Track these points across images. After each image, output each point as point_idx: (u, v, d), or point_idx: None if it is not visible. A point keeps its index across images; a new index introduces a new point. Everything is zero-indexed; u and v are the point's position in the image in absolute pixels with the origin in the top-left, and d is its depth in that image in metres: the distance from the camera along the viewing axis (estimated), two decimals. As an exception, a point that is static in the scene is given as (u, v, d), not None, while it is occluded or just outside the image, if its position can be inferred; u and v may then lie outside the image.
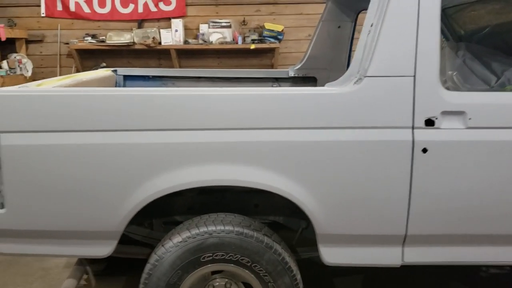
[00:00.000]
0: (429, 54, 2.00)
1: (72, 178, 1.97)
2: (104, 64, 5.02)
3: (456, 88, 2.24)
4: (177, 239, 2.06)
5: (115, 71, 3.56)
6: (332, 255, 2.15)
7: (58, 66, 5.10)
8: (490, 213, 2.07)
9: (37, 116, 1.94)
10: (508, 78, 2.88)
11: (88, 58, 5.07)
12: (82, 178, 1.97)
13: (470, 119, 1.99)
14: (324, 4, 3.60)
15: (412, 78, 1.99)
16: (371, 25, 2.05)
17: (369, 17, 2.07)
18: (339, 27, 3.57)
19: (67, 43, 4.96)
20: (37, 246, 2.09)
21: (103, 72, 3.33)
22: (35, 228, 2.03)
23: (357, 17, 3.56)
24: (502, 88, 2.76)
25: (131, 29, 4.99)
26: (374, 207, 2.05)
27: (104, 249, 2.10)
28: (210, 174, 1.98)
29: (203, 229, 2.05)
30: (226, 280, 2.17)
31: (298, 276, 2.14)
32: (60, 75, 5.15)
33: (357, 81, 2.01)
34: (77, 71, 5.08)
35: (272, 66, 5.19)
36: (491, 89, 2.84)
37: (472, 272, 3.13)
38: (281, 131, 1.99)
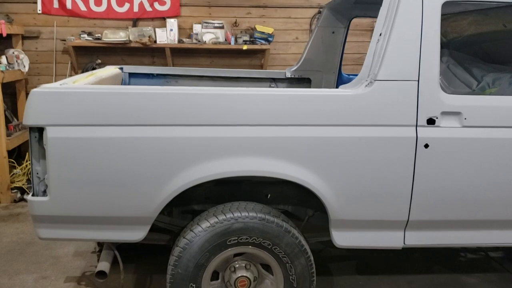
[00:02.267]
0: (431, 61, 2.28)
1: (113, 169, 2.16)
2: (99, 61, 5.13)
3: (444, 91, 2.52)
4: (205, 224, 2.27)
5: (121, 68, 3.72)
6: (343, 238, 2.41)
7: (54, 62, 5.18)
8: (483, 201, 2.38)
9: (82, 111, 2.11)
10: (487, 82, 3.21)
11: (83, 55, 5.16)
12: (123, 169, 2.16)
13: (465, 119, 2.29)
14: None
15: (416, 82, 2.27)
16: (380, 35, 2.31)
17: (378, 27, 2.33)
18: (333, 32, 3.84)
19: (64, 40, 5.04)
20: (77, 232, 2.26)
21: (114, 70, 3.49)
22: (76, 215, 2.21)
23: (349, 23, 3.83)
24: (482, 91, 3.08)
25: (127, 28, 5.11)
26: (381, 195, 2.32)
27: (138, 234, 2.30)
28: (241, 165, 2.20)
29: (229, 215, 2.27)
30: (246, 261, 2.39)
31: (312, 258, 2.38)
32: (56, 71, 5.24)
33: (368, 84, 2.27)
34: (73, 67, 5.17)
35: (261, 67, 5.42)
36: (474, 92, 3.17)
37: (452, 257, 3.47)
38: (301, 128, 2.23)
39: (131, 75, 3.82)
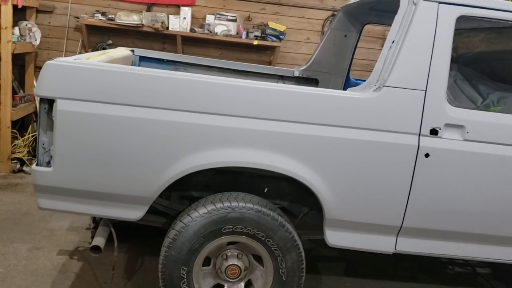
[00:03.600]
0: (440, 73, 2.32)
1: (118, 147, 2.19)
2: (110, 42, 5.16)
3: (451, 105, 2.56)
4: (202, 210, 2.31)
5: (132, 51, 3.75)
6: (335, 238, 2.45)
7: (66, 38, 5.20)
8: (477, 215, 2.42)
9: (93, 87, 2.14)
10: (492, 100, 3.25)
11: (95, 34, 5.18)
12: (128, 148, 2.19)
13: (468, 132, 2.33)
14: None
15: (424, 92, 2.31)
16: (393, 42, 2.35)
17: (391, 34, 2.37)
18: (345, 36, 3.87)
19: (77, 17, 5.05)
20: (76, 205, 2.29)
21: (125, 52, 3.52)
22: (77, 188, 2.24)
23: (362, 28, 3.87)
24: (487, 108, 3.12)
25: (140, 11, 5.13)
26: (378, 199, 2.36)
27: (136, 213, 2.33)
28: (242, 156, 2.23)
29: (227, 204, 2.31)
30: (239, 251, 2.43)
31: (303, 254, 2.42)
32: (66, 47, 5.27)
33: (376, 89, 2.30)
34: (83, 45, 5.19)
35: (270, 63, 5.44)
36: (478, 107, 3.21)
37: (439, 269, 3.51)
38: (305, 126, 2.26)
39: (142, 58, 3.86)
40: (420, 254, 2.54)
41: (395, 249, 2.49)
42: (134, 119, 2.17)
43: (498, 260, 2.59)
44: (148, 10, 5.25)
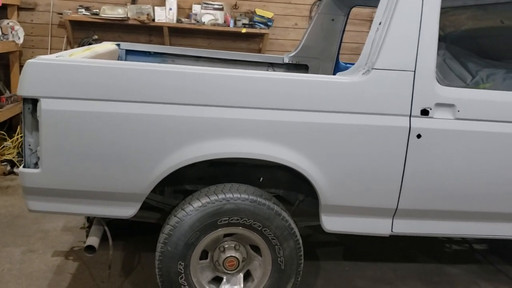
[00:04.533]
0: (428, 53, 2.30)
1: (106, 144, 2.15)
2: (96, 37, 5.09)
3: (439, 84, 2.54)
4: (197, 203, 2.29)
5: (118, 45, 3.69)
6: (331, 223, 2.44)
7: (50, 35, 5.12)
8: (471, 193, 2.41)
9: (78, 84, 2.10)
10: (482, 77, 3.24)
11: (80, 29, 5.11)
12: (116, 145, 2.16)
13: (458, 111, 2.32)
14: None
15: (413, 72, 2.28)
16: (379, 24, 2.32)
17: (377, 16, 2.33)
18: (332, 20, 3.83)
19: (60, 14, 4.97)
20: (67, 205, 2.26)
21: (110, 46, 3.47)
22: (67, 188, 2.21)
23: (349, 11, 3.83)
24: (476, 86, 3.11)
25: (125, 4, 5.06)
26: (372, 182, 2.35)
27: (129, 210, 2.31)
28: (235, 147, 2.21)
29: (221, 196, 2.29)
30: (236, 242, 2.42)
31: (300, 241, 2.41)
32: (51, 44, 5.19)
33: (365, 72, 2.28)
34: (68, 41, 5.12)
35: (259, 51, 5.40)
36: (468, 85, 3.19)
37: (437, 248, 3.53)
38: (296, 113, 2.24)
39: (128, 52, 3.80)
40: (417, 235, 2.54)
41: (392, 231, 2.48)
42: (121, 115, 2.13)
43: (494, 236, 2.60)
44: (133, 2, 5.18)
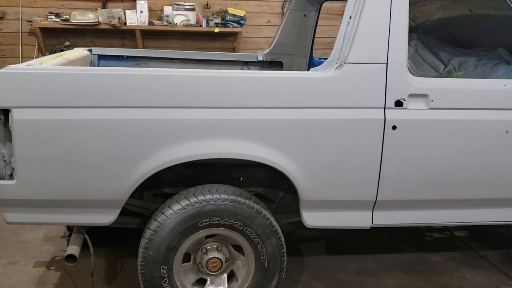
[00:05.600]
0: (399, 44, 2.32)
1: (81, 152, 2.13)
2: (68, 43, 5.02)
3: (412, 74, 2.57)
4: (177, 206, 2.27)
5: (90, 50, 3.64)
6: (312, 219, 2.45)
7: (20, 44, 5.03)
8: (448, 181, 2.45)
9: (50, 92, 2.07)
10: (454, 66, 3.29)
11: (51, 36, 5.03)
12: (91, 152, 2.13)
13: (432, 101, 2.34)
14: None
15: (385, 65, 2.30)
16: (350, 17, 2.33)
17: (348, 10, 2.35)
18: (304, 15, 3.84)
19: (30, 21, 4.89)
20: (45, 215, 2.23)
21: (82, 52, 3.42)
22: (44, 198, 2.17)
23: (320, 6, 3.84)
24: (449, 74, 3.16)
25: (96, 9, 5.00)
26: (350, 176, 2.36)
27: (108, 217, 2.28)
28: (212, 148, 2.20)
29: (201, 197, 2.28)
30: (218, 243, 2.41)
31: (282, 238, 2.41)
32: (22, 53, 5.10)
33: (338, 66, 2.29)
34: (40, 49, 5.04)
35: (233, 50, 5.39)
36: (440, 75, 3.24)
37: (419, 237, 3.57)
38: (271, 110, 2.24)
39: (100, 57, 3.75)
40: (398, 226, 2.57)
41: (372, 223, 2.50)
42: (95, 121, 2.10)
43: (474, 223, 2.64)
44: (103, 7, 5.13)
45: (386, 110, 2.32)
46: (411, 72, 2.38)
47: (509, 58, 2.92)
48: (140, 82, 2.13)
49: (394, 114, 2.32)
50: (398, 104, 2.33)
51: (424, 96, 2.34)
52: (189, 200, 2.27)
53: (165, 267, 2.28)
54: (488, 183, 2.50)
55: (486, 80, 2.49)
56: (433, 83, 2.37)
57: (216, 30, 5.13)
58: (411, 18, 3.88)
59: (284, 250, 2.41)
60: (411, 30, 3.85)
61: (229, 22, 5.24)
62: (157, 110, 2.15)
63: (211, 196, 2.28)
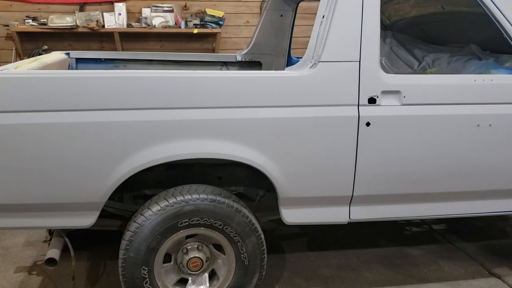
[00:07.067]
0: (371, 43, 2.36)
1: (58, 155, 2.13)
2: (46, 47, 4.98)
3: (386, 72, 2.62)
4: (156, 208, 2.29)
5: (67, 54, 3.63)
6: (291, 215, 2.48)
7: (-3, 48, 5.00)
8: (423, 175, 2.50)
9: (25, 96, 2.06)
10: (428, 62, 3.36)
11: (29, 40, 4.99)
12: (68, 155, 2.13)
13: (404, 97, 2.40)
14: None
15: (358, 63, 2.35)
16: (323, 17, 2.37)
17: (321, 9, 2.39)
18: (281, 15, 3.88)
19: (7, 26, 4.84)
20: (23, 219, 2.23)
21: (59, 55, 3.40)
22: (21, 202, 2.17)
23: (297, 6, 3.88)
24: (423, 71, 3.22)
25: (73, 12, 4.97)
26: (326, 172, 2.40)
27: (87, 220, 2.29)
28: (190, 148, 2.22)
29: (180, 198, 2.30)
30: (198, 243, 2.43)
31: (262, 236, 2.44)
32: (0, 58, 5.04)
33: (312, 65, 2.33)
34: (18, 53, 4.99)
35: (213, 50, 5.41)
36: (415, 71, 3.30)
37: (397, 231, 3.64)
38: (248, 109, 2.27)
39: (78, 60, 3.74)
40: (375, 220, 2.62)
41: (350, 218, 2.54)
42: (71, 124, 2.11)
43: (450, 216, 2.70)
44: (81, 10, 5.10)
45: (359, 107, 2.36)
46: (383, 69, 2.42)
47: (480, 54, 2.99)
48: (116, 84, 2.14)
49: (368, 111, 2.37)
50: (372, 101, 2.37)
51: (396, 92, 2.39)
52: (168, 201, 2.29)
53: (146, 268, 2.29)
54: (462, 177, 2.56)
55: (457, 76, 2.55)
56: (404, 79, 2.42)
57: (195, 31, 5.14)
58: (386, 17, 3.95)
59: (264, 247, 2.44)
60: (387, 28, 3.93)
61: (207, 23, 5.26)
62: (134, 111, 2.16)
63: (190, 197, 2.30)
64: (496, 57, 2.82)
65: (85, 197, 2.21)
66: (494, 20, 2.50)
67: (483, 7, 2.50)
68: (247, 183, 2.73)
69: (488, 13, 2.50)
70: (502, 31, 2.51)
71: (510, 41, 2.51)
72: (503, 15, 2.47)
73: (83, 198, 2.21)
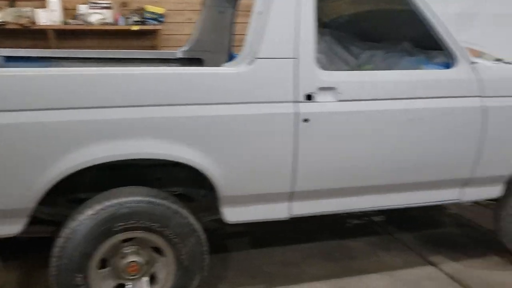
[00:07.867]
0: (307, 40, 2.37)
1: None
2: (-28, 45, 4.68)
3: (323, 69, 2.65)
4: (89, 211, 2.19)
5: (-5, 52, 3.43)
6: (231, 214, 2.46)
7: None
8: (360, 169, 2.55)
9: None
10: (364, 59, 3.44)
11: (-48, 38, 4.69)
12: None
13: (340, 93, 2.43)
14: None
15: (294, 60, 2.35)
16: (259, 13, 2.36)
17: (257, 6, 2.37)
18: (221, 12, 3.84)
19: None
20: None
21: (-15, 54, 3.21)
22: None
23: (235, 3, 3.86)
24: (360, 68, 3.29)
25: (1, 8, 4.71)
26: (266, 169, 2.39)
27: (14, 227, 2.17)
28: (123, 148, 2.14)
29: (114, 201, 2.21)
30: (136, 246, 2.35)
31: (202, 236, 2.40)
32: None
33: (249, 62, 2.31)
34: None
35: (154, 48, 5.29)
36: (352, 68, 3.37)
37: (338, 224, 3.70)
38: (184, 107, 2.22)
39: (8, 58, 3.54)
40: (316, 214, 2.64)
41: (290, 214, 2.56)
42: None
43: (389, 207, 2.77)
44: (11, 5, 4.83)
45: (297, 103, 2.37)
46: (320, 66, 2.44)
47: (412, 51, 3.08)
48: (43, 83, 2.04)
49: (305, 108, 2.38)
50: (308, 97, 2.39)
51: (332, 89, 2.42)
52: (101, 205, 2.20)
53: (80, 275, 2.20)
54: (398, 169, 2.63)
55: (389, 72, 2.61)
56: (339, 76, 2.45)
57: (135, 28, 5.01)
58: (324, 14, 4.01)
59: (205, 248, 2.40)
60: (325, 25, 3.98)
61: (148, 19, 5.13)
62: (61, 111, 2.06)
63: (125, 199, 2.22)
64: (426, 53, 2.92)
65: (9, 203, 2.09)
66: (422, 19, 2.57)
67: (411, 6, 2.58)
68: (187, 183, 2.68)
69: (416, 12, 2.57)
70: (430, 28, 2.59)
71: (438, 38, 2.60)
72: (426, 14, 2.55)
73: (6, 205, 2.09)
